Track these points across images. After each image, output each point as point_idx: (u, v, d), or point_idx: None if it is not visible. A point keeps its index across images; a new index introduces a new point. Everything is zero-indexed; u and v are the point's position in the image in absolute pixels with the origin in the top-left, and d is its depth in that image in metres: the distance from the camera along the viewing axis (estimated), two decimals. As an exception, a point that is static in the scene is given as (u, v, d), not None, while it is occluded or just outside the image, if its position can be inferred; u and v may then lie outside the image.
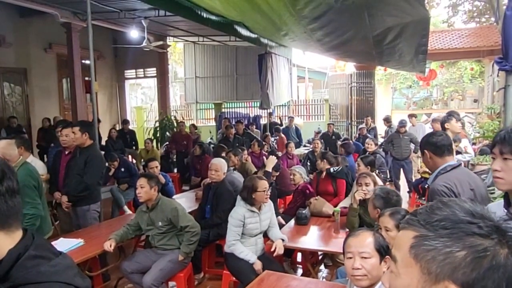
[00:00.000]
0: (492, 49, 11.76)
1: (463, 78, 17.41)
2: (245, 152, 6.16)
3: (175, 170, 8.46)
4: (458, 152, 5.40)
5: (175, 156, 8.81)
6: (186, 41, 12.31)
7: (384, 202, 2.65)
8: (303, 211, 3.91)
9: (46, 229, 3.54)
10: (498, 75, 9.72)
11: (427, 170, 4.92)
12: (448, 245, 0.67)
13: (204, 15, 5.95)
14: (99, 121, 7.48)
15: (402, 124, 7.66)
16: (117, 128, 10.12)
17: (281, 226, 3.84)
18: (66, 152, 4.25)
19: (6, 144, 3.29)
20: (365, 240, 1.89)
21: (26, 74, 9.97)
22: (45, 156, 8.28)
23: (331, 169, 4.70)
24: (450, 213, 0.71)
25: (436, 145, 2.50)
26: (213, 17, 6.12)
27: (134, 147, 9.54)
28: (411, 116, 8.91)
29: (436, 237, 0.69)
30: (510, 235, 0.70)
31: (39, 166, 4.20)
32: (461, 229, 0.68)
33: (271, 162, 4.42)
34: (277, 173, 5.01)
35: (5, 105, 9.67)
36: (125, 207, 5.86)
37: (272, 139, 9.89)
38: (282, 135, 9.62)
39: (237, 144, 7.44)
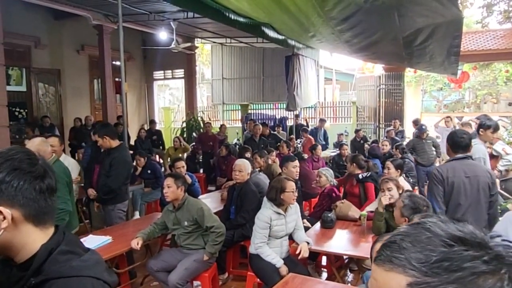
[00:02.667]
0: (529, 51, 11.28)
1: (497, 81, 16.75)
2: (274, 153, 6.15)
3: (201, 171, 8.53)
4: (494, 156, 5.18)
5: (201, 156, 8.89)
6: (214, 42, 12.42)
7: (413, 213, 2.58)
8: (329, 214, 3.86)
9: (74, 224, 3.66)
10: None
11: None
12: None
13: (232, 17, 5.98)
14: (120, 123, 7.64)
15: (422, 130, 7.39)
16: (145, 128, 10.31)
17: (306, 229, 3.80)
18: (102, 150, 4.37)
19: (40, 142, 3.40)
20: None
21: (60, 74, 10.31)
22: (75, 154, 8.53)
23: (360, 175, 4.60)
24: (446, 249, 0.57)
25: (455, 142, 3.09)
26: (241, 19, 6.15)
27: (161, 147, 9.69)
28: (448, 118, 8.66)
29: (443, 284, 0.54)
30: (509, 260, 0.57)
31: (72, 164, 4.33)
32: (468, 269, 0.54)
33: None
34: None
35: (39, 104, 10.03)
36: (136, 212, 5.83)
37: (298, 140, 9.83)
38: (310, 137, 9.53)
39: (262, 146, 7.44)
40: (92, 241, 3.24)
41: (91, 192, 4.23)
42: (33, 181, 0.98)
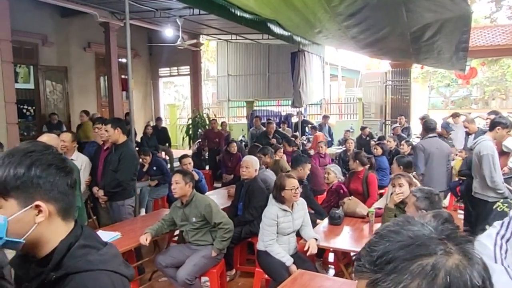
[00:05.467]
0: (538, 46, 11.15)
1: (505, 76, 16.60)
2: (281, 150, 6.15)
3: (207, 167, 8.55)
4: (506, 153, 5.12)
5: (207, 153, 8.90)
6: (219, 39, 12.41)
7: (429, 203, 2.57)
8: (337, 211, 3.85)
9: (83, 220, 3.69)
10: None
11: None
12: (399, 281, 0.60)
13: (238, 13, 5.96)
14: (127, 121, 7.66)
15: (449, 128, 7.34)
16: (151, 125, 10.33)
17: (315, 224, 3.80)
18: (105, 148, 4.39)
19: (49, 138, 3.42)
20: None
21: (67, 72, 10.36)
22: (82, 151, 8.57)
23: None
24: (387, 244, 0.64)
25: (428, 127, 5.06)
26: (247, 15, 6.13)
27: (167, 144, 9.72)
28: (454, 115, 8.59)
29: (384, 277, 0.61)
30: (458, 238, 0.63)
31: (85, 161, 4.35)
32: (403, 257, 0.61)
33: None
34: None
35: (47, 102, 10.09)
36: (143, 209, 5.83)
37: (304, 137, 9.82)
38: (319, 133, 9.51)
39: (269, 142, 7.45)
40: (101, 237, 3.25)
41: (96, 190, 4.25)
42: (65, 176, 1.02)
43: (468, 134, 6.62)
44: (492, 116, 5.14)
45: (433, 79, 17.72)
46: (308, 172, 4.55)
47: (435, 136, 5.02)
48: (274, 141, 8.03)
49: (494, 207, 3.85)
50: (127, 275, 1.04)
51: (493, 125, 4.18)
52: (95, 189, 4.30)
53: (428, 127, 5.08)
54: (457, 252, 0.61)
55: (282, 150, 6.26)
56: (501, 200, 3.84)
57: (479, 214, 4.39)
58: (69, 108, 10.55)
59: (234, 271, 4.16)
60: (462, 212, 5.49)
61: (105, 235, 3.39)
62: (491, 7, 14.58)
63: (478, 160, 4.22)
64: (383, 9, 4.83)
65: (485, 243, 1.69)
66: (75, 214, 1.08)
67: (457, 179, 6.57)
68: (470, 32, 5.54)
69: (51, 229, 0.99)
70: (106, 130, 4.11)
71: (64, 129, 8.89)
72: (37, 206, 0.96)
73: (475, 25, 12.64)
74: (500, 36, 12.32)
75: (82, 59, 10.62)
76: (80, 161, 4.28)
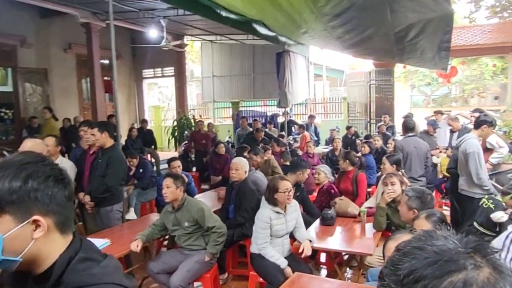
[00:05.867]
0: (516, 45, 11.45)
1: (484, 75, 16.98)
2: (269, 151, 6.14)
3: (194, 169, 8.47)
4: (489, 150, 5.22)
5: (193, 155, 8.82)
6: (204, 40, 12.32)
7: (420, 202, 2.59)
8: (329, 212, 3.85)
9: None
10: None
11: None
12: None
13: (223, 14, 5.91)
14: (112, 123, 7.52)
15: (436, 125, 7.45)
16: (136, 128, 10.18)
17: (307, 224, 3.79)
18: (91, 152, 4.28)
19: (34, 144, 3.31)
20: (407, 244, 1.83)
21: (47, 74, 10.11)
22: (66, 156, 8.38)
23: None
24: (413, 261, 0.61)
25: (407, 126, 5.35)
26: (232, 16, 6.09)
27: (152, 147, 9.59)
28: (437, 113, 8.74)
29: None
30: (485, 250, 0.61)
31: (69, 166, 4.23)
32: (432, 274, 0.59)
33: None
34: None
35: (26, 105, 9.82)
36: (132, 212, 5.75)
37: (290, 137, 9.83)
38: (306, 133, 9.53)
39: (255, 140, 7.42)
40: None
41: (82, 196, 4.13)
42: (64, 188, 0.97)
43: (452, 132, 6.73)
44: (477, 114, 5.23)
45: (414, 78, 18.00)
46: (307, 177, 4.54)
47: (414, 135, 5.32)
48: (262, 135, 8.02)
49: (480, 203, 3.92)
50: (129, 286, 1.00)
51: (479, 124, 4.25)
52: (81, 195, 4.18)
53: (407, 127, 5.37)
54: (487, 265, 0.59)
55: (270, 150, 6.25)
56: (486, 197, 3.91)
57: (466, 211, 4.46)
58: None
59: (226, 274, 4.12)
60: (448, 208, 5.58)
61: (94, 243, 3.29)
62: (470, 8, 14.93)
63: (464, 158, 4.28)
64: (369, 9, 4.86)
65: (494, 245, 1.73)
66: (73, 226, 1.03)
67: (441, 176, 6.69)
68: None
69: (49, 244, 0.94)
70: (93, 134, 4.00)
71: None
72: (34, 221, 0.91)
73: (455, 25, 12.87)
74: (479, 35, 12.61)
75: (62, 60, 10.38)
76: (64, 166, 4.15)
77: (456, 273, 0.58)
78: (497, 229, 3.82)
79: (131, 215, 5.56)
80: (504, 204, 3.87)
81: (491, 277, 0.58)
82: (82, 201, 4.14)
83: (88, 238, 3.22)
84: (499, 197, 4.01)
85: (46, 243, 0.93)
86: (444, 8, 4.61)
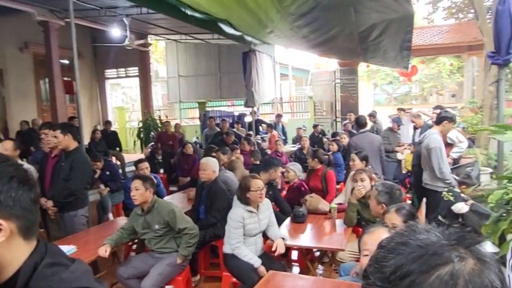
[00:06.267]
0: (471, 45, 12.01)
1: (441, 74, 17.73)
2: (237, 150, 6.11)
3: (161, 171, 8.31)
4: (450, 144, 5.43)
5: (160, 156, 8.65)
6: (168, 39, 12.12)
7: (389, 197, 2.65)
8: (300, 209, 3.88)
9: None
10: (477, 70, 9.93)
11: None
12: None
13: (188, 13, 5.82)
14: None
15: (400, 122, 7.66)
16: (99, 129, 9.85)
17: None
18: (52, 155, 4.09)
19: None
20: (381, 237, 1.84)
21: (2, 75, 9.60)
22: (24, 160, 7.98)
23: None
24: (398, 257, 0.61)
25: (359, 123, 5.73)
26: (197, 15, 6.01)
27: (117, 149, 9.32)
28: (400, 110, 9.04)
29: None
30: (467, 241, 0.62)
31: (29, 170, 4.02)
32: (419, 269, 0.58)
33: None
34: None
35: (-20, 108, 9.30)
36: (110, 214, 5.65)
37: (258, 137, 9.84)
38: (275, 132, 9.57)
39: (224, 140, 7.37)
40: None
41: (43, 201, 3.94)
42: (29, 191, 0.90)
43: (415, 128, 6.97)
44: (438, 111, 5.43)
45: (377, 77, 18.54)
46: (280, 175, 4.55)
47: (366, 131, 5.74)
48: (231, 138, 7.96)
49: (441, 196, 4.08)
50: None
51: (440, 120, 4.41)
52: (43, 200, 3.98)
53: (359, 123, 5.77)
54: (471, 257, 0.59)
55: (239, 150, 6.23)
56: (446, 190, 4.08)
57: (430, 204, 4.62)
58: (6, 114, 9.78)
59: (198, 276, 4.05)
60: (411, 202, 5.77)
61: (59, 249, 3.15)
62: (429, 9, 15.53)
63: (427, 153, 4.44)
64: (333, 9, 4.94)
65: None
66: (37, 231, 0.97)
67: (405, 171, 6.91)
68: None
69: (12, 250, 0.88)
70: (55, 136, 3.82)
71: (1, 136, 8.24)
72: None
73: (414, 26, 13.36)
74: (437, 35, 13.16)
75: (19, 60, 9.89)
76: None
77: (442, 267, 0.58)
78: (460, 220, 3.99)
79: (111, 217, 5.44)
80: (463, 195, 4.05)
81: (476, 267, 0.58)
82: (44, 206, 3.95)
83: (53, 245, 3.05)
84: (458, 189, 4.20)
85: (8, 248, 0.87)
86: (405, 9, 4.75)
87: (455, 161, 5.74)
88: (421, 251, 0.60)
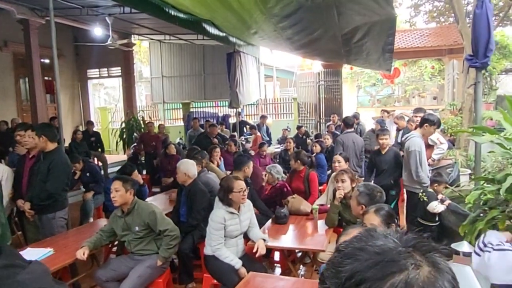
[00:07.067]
0: (452, 48, 12.25)
1: (423, 76, 18.04)
2: (217, 150, 6.07)
3: (144, 172, 8.22)
4: (430, 146, 5.51)
5: (143, 157, 8.57)
6: (152, 39, 12.01)
7: (369, 199, 2.67)
8: (282, 210, 3.88)
9: (7, 237, 3.29)
10: (458, 73, 10.12)
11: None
12: None
13: (172, 13, 5.78)
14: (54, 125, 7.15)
15: (384, 124, 7.78)
16: (81, 130, 9.70)
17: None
18: (30, 156, 3.99)
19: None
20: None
21: (-20, 74, 9.37)
22: (2, 161, 7.79)
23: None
24: (355, 263, 0.60)
25: (347, 123, 6.18)
26: (181, 15, 5.97)
27: (99, 150, 9.18)
28: (384, 111, 9.17)
29: None
30: (424, 247, 0.62)
31: (7, 171, 3.92)
32: (374, 277, 0.58)
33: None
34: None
35: (-44, 107, 9.04)
36: (91, 219, 5.49)
37: (242, 138, 9.84)
38: (258, 134, 9.57)
39: (211, 143, 7.33)
40: (31, 255, 2.95)
41: (21, 203, 3.84)
42: None
43: (398, 130, 7.06)
44: (421, 114, 5.51)
45: (360, 79, 18.75)
46: (252, 169, 4.53)
47: (352, 131, 6.24)
48: (216, 141, 7.91)
49: (418, 197, 4.15)
50: None
51: (422, 122, 4.48)
52: (20, 202, 3.89)
53: (347, 123, 6.23)
54: (426, 264, 0.60)
55: (219, 150, 6.17)
56: (421, 191, 4.15)
57: (408, 205, 4.69)
58: (-16, 114, 9.53)
59: (193, 284, 3.97)
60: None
61: (36, 252, 3.09)
62: (410, 12, 15.78)
63: (406, 155, 4.51)
64: (317, 11, 4.97)
65: None
66: None
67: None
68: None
69: None
70: (33, 138, 3.73)
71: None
72: None
73: (396, 29, 13.56)
74: (419, 39, 13.38)
75: (-2, 59, 9.66)
76: (1, 171, 3.85)
77: (397, 274, 0.57)
78: (437, 219, 4.06)
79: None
80: (438, 195, 4.11)
81: (431, 276, 0.58)
82: (22, 208, 3.86)
83: (28, 248, 2.99)
84: (430, 188, 4.28)
85: None
86: (387, 12, 4.81)
87: (435, 163, 5.83)
88: (378, 257, 0.59)
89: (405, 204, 4.85)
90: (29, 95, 8.93)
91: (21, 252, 3.01)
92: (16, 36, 8.63)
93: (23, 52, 8.62)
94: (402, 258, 0.59)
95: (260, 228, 3.57)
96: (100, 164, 8.58)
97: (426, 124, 4.34)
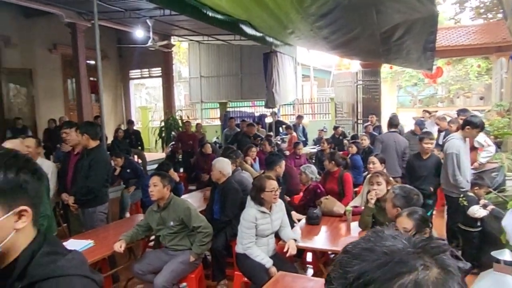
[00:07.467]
0: (500, 46, 11.61)
1: (469, 75, 17.23)
2: (252, 149, 6.11)
3: (181, 170, 8.42)
4: (475, 148, 5.28)
5: (180, 156, 8.77)
6: (191, 40, 12.27)
7: (405, 202, 2.60)
8: (315, 211, 3.86)
9: (53, 228, 3.52)
10: (506, 72, 9.60)
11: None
12: None
13: (210, 14, 5.90)
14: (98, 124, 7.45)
15: (423, 125, 7.55)
16: (123, 129, 10.09)
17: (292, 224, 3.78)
18: (75, 153, 4.22)
19: (13, 145, 3.25)
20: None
21: (32, 75, 9.97)
22: (51, 157, 8.26)
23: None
24: (362, 263, 0.59)
25: (391, 123, 6.07)
26: (219, 16, 6.07)
27: (139, 147, 9.52)
28: (425, 112, 8.91)
29: None
30: (433, 249, 0.60)
31: (51, 167, 4.17)
32: (383, 277, 0.57)
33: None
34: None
35: (10, 106, 9.67)
36: (127, 214, 5.71)
37: (278, 138, 9.84)
38: (294, 134, 9.54)
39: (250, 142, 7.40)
40: (73, 246, 3.12)
41: (65, 197, 4.07)
42: (43, 184, 1.03)
43: (440, 131, 6.81)
44: (466, 115, 5.27)
45: (401, 78, 18.18)
46: (284, 168, 4.54)
47: (395, 132, 6.02)
48: (257, 140, 7.95)
49: (458, 202, 3.99)
50: (97, 280, 1.02)
51: (464, 124, 4.30)
52: (64, 195, 4.12)
53: (391, 122, 6.10)
54: (435, 266, 0.58)
55: (255, 150, 6.22)
56: (461, 195, 3.98)
57: (450, 210, 4.51)
58: (35, 112, 10.15)
59: (226, 281, 4.05)
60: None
61: (77, 243, 3.26)
62: (455, 9, 15.15)
63: (444, 157, 4.35)
64: (354, 10, 4.89)
65: None
66: (39, 221, 1.04)
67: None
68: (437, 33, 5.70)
69: (24, 236, 0.96)
70: (76, 135, 3.95)
71: (30, 134, 8.55)
72: (20, 212, 0.93)
73: (440, 26, 13.01)
74: (464, 36, 12.79)
75: (47, 61, 10.26)
76: (46, 167, 4.09)
77: (406, 275, 0.57)
78: (478, 224, 3.88)
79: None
80: (480, 199, 3.93)
81: (440, 277, 0.57)
82: (66, 202, 4.09)
83: (71, 240, 3.17)
84: (470, 192, 4.09)
85: (21, 235, 0.95)
86: (429, 9, 4.66)
87: (480, 166, 5.55)
88: (386, 258, 0.59)
89: (445, 208, 4.68)
90: (76, 95, 9.41)
91: (64, 243, 3.18)
92: (65, 39, 9.12)
93: (70, 54, 9.10)
94: (411, 259, 0.58)
95: (292, 228, 3.56)
96: (140, 161, 8.89)
97: (468, 127, 4.16)
